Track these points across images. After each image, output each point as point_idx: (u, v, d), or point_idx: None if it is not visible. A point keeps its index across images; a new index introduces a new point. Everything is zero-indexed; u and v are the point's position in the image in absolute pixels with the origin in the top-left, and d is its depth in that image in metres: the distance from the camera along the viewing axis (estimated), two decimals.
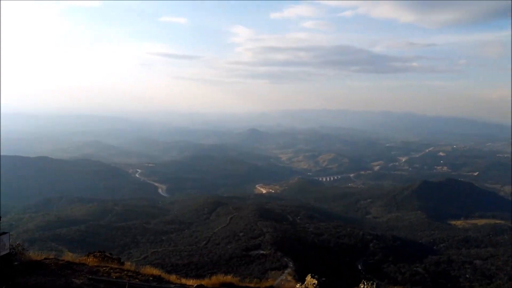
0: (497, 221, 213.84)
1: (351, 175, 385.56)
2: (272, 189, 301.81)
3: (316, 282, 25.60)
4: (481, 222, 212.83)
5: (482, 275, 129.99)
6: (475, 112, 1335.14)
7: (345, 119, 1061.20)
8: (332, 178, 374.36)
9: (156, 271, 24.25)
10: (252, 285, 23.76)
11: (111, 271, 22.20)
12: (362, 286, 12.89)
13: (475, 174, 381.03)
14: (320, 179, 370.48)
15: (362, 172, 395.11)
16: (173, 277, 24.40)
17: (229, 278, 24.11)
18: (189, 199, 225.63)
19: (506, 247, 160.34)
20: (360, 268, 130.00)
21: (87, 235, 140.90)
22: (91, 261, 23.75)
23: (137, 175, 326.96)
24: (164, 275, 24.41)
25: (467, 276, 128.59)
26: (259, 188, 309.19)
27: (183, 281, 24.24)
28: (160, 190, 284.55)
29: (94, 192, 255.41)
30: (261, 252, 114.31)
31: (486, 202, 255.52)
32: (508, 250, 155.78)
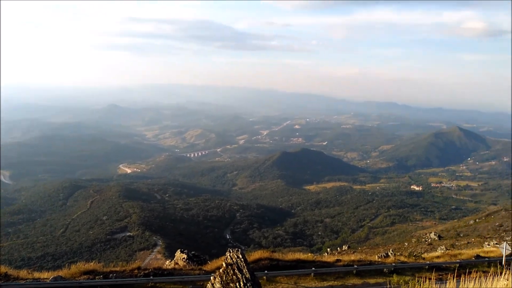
0: (342, 183, 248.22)
1: (218, 149, 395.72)
2: (137, 168, 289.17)
3: (185, 256, 25.02)
4: (329, 185, 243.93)
5: (331, 230, 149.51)
6: (324, 88, 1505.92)
7: (211, 94, 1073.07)
8: (200, 154, 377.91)
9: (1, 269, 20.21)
10: (117, 268, 21.67)
11: None
12: (228, 254, 12.33)
13: (324, 143, 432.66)
14: (188, 155, 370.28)
15: (228, 146, 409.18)
16: (23, 273, 20.67)
17: (91, 265, 21.51)
18: (39, 185, 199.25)
19: (349, 205, 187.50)
20: (228, 237, 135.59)
21: None
22: None
23: None
24: (12, 271, 20.53)
25: (319, 233, 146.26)
26: (123, 168, 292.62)
27: (36, 275, 20.76)
28: (2, 177, 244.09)
29: None
30: (128, 234, 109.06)
31: (333, 167, 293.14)
32: (350, 207, 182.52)
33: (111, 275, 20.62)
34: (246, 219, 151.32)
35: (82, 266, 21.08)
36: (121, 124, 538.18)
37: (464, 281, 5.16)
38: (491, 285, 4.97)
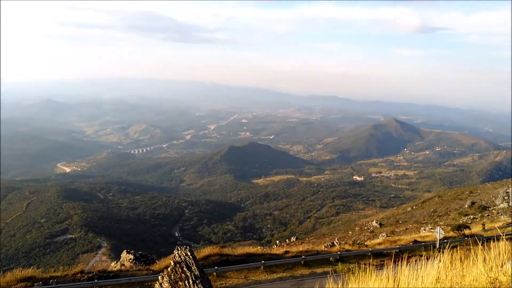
0: (289, 176, 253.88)
1: (164, 145, 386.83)
2: (77, 167, 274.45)
3: (132, 257, 24.25)
4: (277, 178, 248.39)
5: (280, 223, 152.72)
6: (270, 81, 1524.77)
7: (154, 88, 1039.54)
8: (145, 150, 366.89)
9: None
10: (58, 273, 20.44)
11: None
12: (176, 252, 12.11)
13: (271, 137, 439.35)
14: (132, 151, 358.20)
15: (175, 142, 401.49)
16: None
17: (29, 271, 20.05)
18: None
19: (296, 197, 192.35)
20: (177, 235, 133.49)
21: None
22: None
23: None
24: None
25: (269, 226, 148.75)
26: (61, 167, 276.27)
27: None
28: None
29: None
30: (70, 236, 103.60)
31: (280, 160, 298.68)
32: (297, 199, 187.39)
33: (51, 281, 19.45)
34: (195, 216, 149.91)
35: (18, 273, 19.61)
36: (58, 120, 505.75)
37: (401, 265, 5.45)
38: (426, 267, 5.29)
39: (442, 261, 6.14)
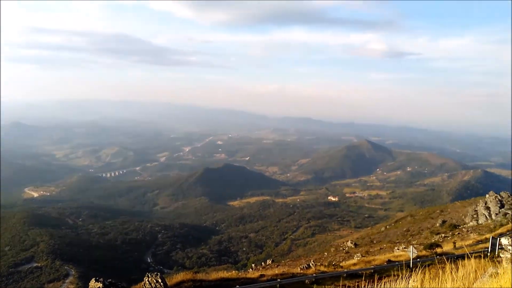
0: (265, 197, 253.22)
1: (137, 168, 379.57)
2: (46, 192, 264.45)
3: (101, 285, 23.14)
4: (253, 199, 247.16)
5: (256, 245, 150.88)
6: (245, 104, 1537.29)
7: (128, 110, 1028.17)
8: (117, 173, 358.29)
9: None
10: None
11: None
12: (146, 279, 11.68)
13: (247, 158, 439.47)
14: (104, 175, 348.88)
15: (149, 164, 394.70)
16: None
17: None
18: None
19: (272, 218, 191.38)
20: (150, 260, 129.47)
21: None
22: None
23: None
24: None
25: (244, 249, 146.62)
26: (29, 192, 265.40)
27: None
28: None
29: None
30: (35, 264, 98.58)
31: (256, 182, 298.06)
32: (274, 220, 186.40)
33: None
34: (169, 240, 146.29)
35: None
36: (26, 144, 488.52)
37: (375, 286, 5.42)
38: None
39: (415, 280, 6.15)
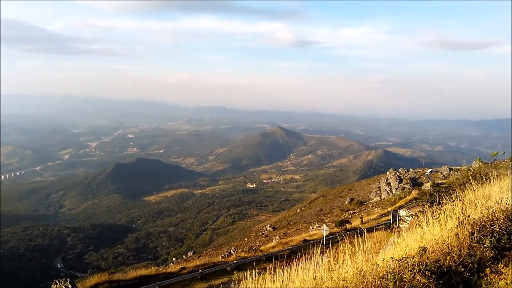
0: (183, 190, 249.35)
1: (37, 168, 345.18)
2: None
3: None
4: (170, 193, 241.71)
5: (176, 239, 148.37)
6: (155, 94, 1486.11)
7: (20, 105, 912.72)
8: (13, 175, 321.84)
9: None
10: None
11: None
12: (54, 287, 10.78)
13: (161, 151, 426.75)
14: None
15: (50, 163, 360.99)
16: None
17: None
18: None
19: (191, 210, 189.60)
20: (59, 266, 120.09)
21: None
22: None
23: None
24: None
25: (164, 244, 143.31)
26: None
27: None
28: None
29: None
30: None
31: (172, 175, 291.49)
32: (193, 212, 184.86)
33: None
34: (80, 243, 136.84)
35: None
36: None
37: (292, 265, 5.65)
38: (315, 264, 5.57)
39: (328, 256, 6.54)
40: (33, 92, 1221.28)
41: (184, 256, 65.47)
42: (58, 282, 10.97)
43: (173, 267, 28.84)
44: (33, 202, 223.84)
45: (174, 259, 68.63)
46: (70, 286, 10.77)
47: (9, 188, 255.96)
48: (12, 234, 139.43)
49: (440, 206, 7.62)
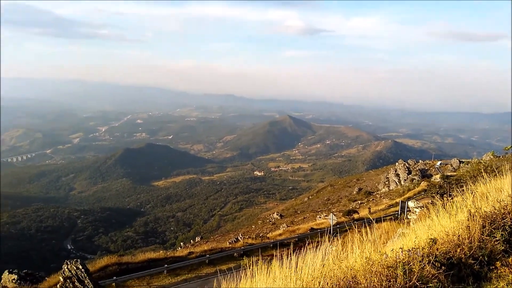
0: (191, 176, 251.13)
1: (48, 151, 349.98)
2: None
3: (16, 277, 21.39)
4: (178, 179, 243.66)
5: (184, 224, 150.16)
6: (163, 81, 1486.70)
7: (30, 88, 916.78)
8: (25, 157, 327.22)
9: None
10: None
11: None
12: (65, 267, 11.01)
13: (170, 137, 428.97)
14: (10, 160, 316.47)
15: (61, 147, 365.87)
16: None
17: None
18: None
19: (199, 196, 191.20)
20: (70, 247, 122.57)
21: None
22: None
23: None
24: None
25: (172, 228, 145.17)
26: None
27: None
28: None
29: None
30: None
31: (181, 161, 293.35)
32: (201, 198, 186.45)
33: None
34: (90, 225, 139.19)
35: None
36: None
37: (300, 253, 5.66)
38: (323, 252, 5.57)
39: (335, 245, 6.57)
40: (43, 76, 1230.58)
41: (191, 241, 66.26)
42: (69, 263, 11.19)
43: (181, 251, 29.27)
44: (44, 184, 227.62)
45: (182, 243, 69.53)
46: (80, 266, 10.99)
47: (20, 170, 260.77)
48: (23, 215, 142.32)
49: (451, 198, 7.59)
